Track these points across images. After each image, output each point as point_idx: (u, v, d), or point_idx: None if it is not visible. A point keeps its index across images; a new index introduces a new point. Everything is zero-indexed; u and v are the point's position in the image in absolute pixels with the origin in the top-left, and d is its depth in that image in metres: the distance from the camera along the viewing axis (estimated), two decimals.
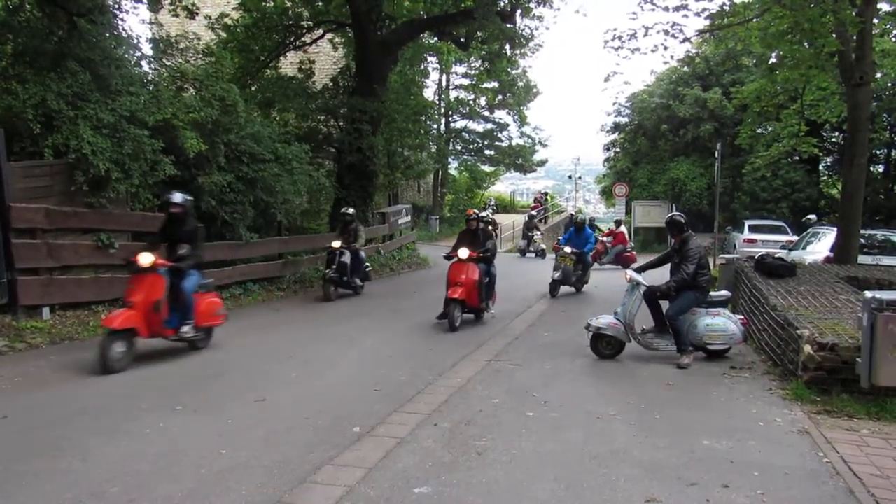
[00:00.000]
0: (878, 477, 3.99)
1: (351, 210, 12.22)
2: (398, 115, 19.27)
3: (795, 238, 16.99)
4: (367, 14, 16.17)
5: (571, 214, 14.88)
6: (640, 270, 7.31)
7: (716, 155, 18.83)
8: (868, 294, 5.21)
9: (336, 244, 11.33)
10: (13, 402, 5.30)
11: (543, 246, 22.32)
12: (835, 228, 12.42)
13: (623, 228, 19.97)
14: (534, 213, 25.37)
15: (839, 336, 5.61)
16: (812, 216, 17.57)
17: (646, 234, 30.63)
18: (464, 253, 8.86)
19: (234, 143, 10.77)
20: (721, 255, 13.55)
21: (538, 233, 22.89)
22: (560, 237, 14.60)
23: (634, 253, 19.02)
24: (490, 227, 10.43)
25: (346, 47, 20.08)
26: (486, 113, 34.34)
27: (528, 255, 21.90)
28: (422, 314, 9.93)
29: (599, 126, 35.39)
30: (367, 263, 12.64)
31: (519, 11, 17.70)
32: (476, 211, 10.22)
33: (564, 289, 12.63)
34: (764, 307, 7.42)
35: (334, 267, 11.24)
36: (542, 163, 38.26)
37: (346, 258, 11.32)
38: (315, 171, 13.46)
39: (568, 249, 12.43)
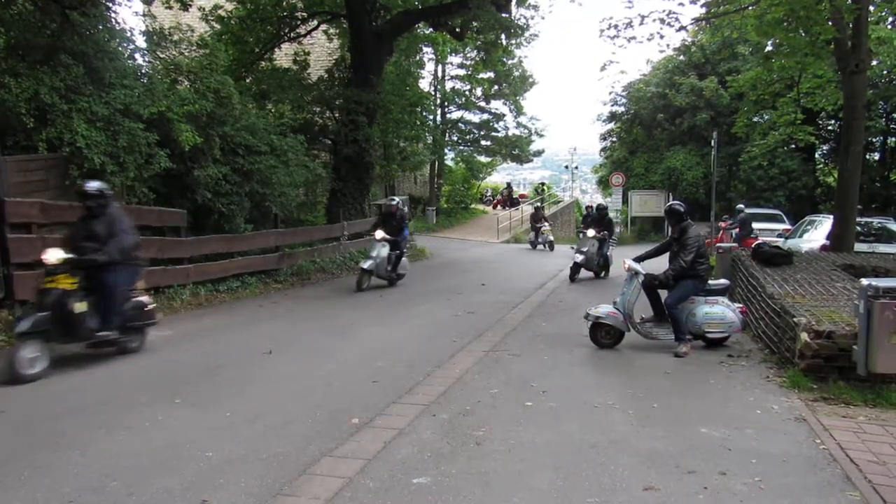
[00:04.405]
0: (875, 463, 4.01)
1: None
2: (394, 106, 19.17)
3: (792, 226, 17.05)
4: (361, 4, 16.08)
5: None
6: (638, 260, 7.32)
7: (712, 144, 18.84)
8: (864, 281, 5.21)
9: (378, 234, 11.38)
10: (10, 396, 5.28)
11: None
12: (831, 216, 12.45)
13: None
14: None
15: (836, 324, 5.61)
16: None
17: (642, 224, 30.69)
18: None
19: (230, 136, 10.72)
20: (717, 244, 13.56)
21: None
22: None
23: None
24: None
25: (341, 38, 19.96)
26: (483, 103, 34.13)
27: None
28: (420, 305, 9.94)
29: (596, 116, 35.34)
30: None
31: (514, 1, 17.64)
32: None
33: (559, 280, 12.64)
34: (761, 295, 7.44)
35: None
36: (539, 153, 38.08)
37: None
38: (311, 162, 13.39)
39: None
